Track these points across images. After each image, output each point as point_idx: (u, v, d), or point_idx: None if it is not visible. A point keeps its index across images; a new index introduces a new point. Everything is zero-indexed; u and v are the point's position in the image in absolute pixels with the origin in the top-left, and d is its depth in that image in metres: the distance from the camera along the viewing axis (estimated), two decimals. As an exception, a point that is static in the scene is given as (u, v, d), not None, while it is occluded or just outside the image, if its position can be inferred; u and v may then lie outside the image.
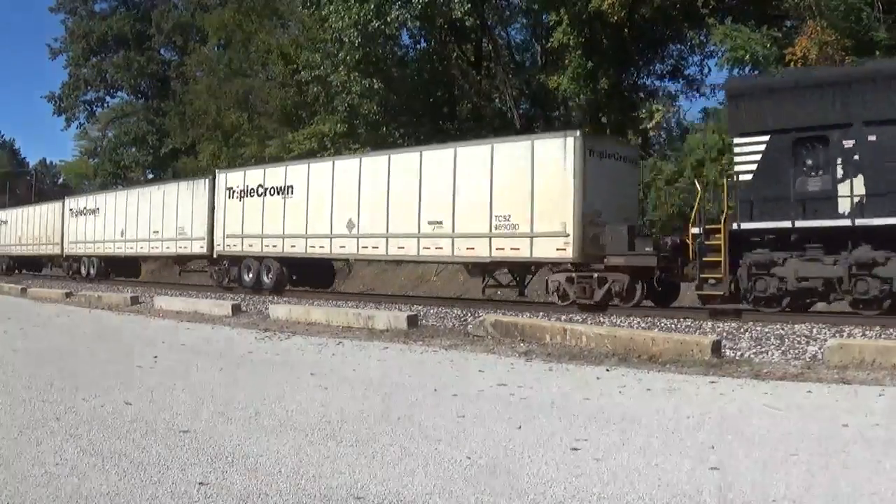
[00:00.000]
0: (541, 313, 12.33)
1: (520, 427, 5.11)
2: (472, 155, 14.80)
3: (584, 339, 8.84)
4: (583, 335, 8.93)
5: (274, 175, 19.21)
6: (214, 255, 20.71)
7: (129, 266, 27.00)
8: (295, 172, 18.67)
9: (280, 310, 13.08)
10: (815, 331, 9.40)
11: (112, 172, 44.77)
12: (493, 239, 14.15)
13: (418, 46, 28.02)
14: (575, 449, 4.54)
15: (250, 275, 19.39)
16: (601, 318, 11.60)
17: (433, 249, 15.35)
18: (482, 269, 15.38)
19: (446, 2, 22.11)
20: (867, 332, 9.19)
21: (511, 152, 14.20)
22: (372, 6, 22.10)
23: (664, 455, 4.39)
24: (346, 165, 17.57)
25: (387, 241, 16.13)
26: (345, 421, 5.33)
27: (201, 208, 21.39)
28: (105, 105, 46.87)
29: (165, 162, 41.10)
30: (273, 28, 31.69)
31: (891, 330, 9.23)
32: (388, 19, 22.33)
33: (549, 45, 23.54)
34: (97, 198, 27.72)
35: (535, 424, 5.20)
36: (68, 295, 19.22)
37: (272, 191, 19.08)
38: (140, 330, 12.27)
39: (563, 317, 11.72)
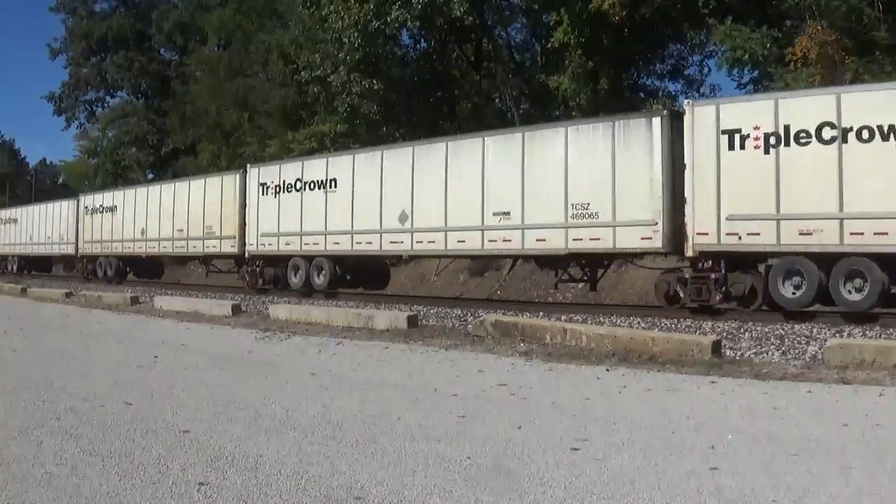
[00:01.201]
0: (541, 313, 12.33)
1: (520, 427, 5.11)
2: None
3: (584, 339, 8.84)
4: (583, 335, 8.93)
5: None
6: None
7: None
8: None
9: (280, 310, 13.08)
10: (815, 331, 9.41)
11: (112, 172, 44.74)
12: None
13: (418, 46, 28.06)
14: (575, 449, 4.53)
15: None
16: (601, 318, 11.61)
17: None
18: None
19: (446, 1, 22.10)
20: (867, 332, 9.20)
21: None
22: (372, 6, 22.11)
23: (664, 455, 4.39)
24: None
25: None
26: (345, 421, 5.33)
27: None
28: (105, 105, 46.98)
29: (166, 162, 41.10)
30: (273, 28, 31.70)
31: (891, 330, 9.24)
32: (388, 19, 22.33)
33: (549, 45, 23.52)
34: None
35: (535, 424, 5.20)
36: (68, 295, 19.23)
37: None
38: (140, 330, 12.27)
39: (563, 317, 11.72)
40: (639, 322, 11.01)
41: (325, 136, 25.99)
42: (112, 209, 25.60)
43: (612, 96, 22.32)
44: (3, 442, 4.72)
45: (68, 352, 9.34)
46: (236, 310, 13.80)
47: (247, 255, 19.51)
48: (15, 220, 33.04)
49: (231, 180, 20.44)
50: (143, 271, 25.75)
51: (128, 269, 25.72)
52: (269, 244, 18.76)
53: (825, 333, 9.13)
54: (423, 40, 27.66)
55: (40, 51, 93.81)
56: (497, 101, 27.52)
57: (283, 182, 18.58)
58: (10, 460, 4.30)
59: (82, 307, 16.86)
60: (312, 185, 17.83)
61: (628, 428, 5.07)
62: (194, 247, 21.55)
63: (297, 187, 18.16)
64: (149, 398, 6.19)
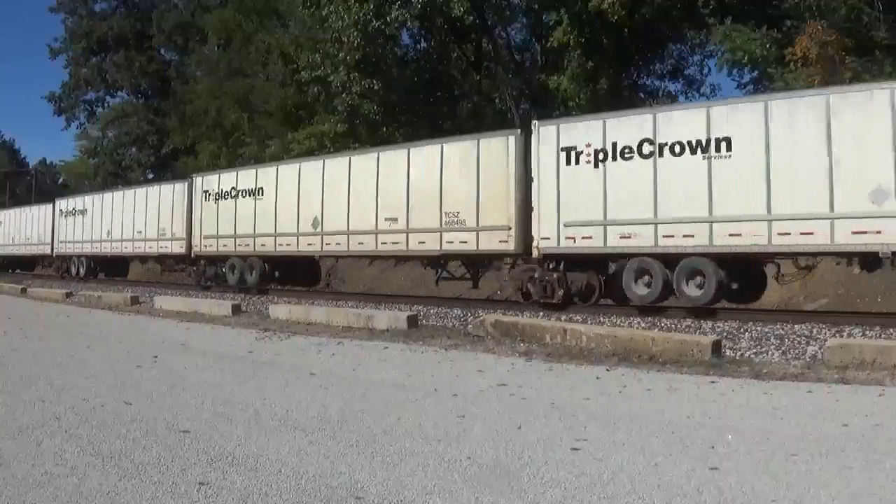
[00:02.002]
0: (541, 313, 12.34)
1: (520, 427, 5.11)
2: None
3: (584, 339, 8.84)
4: (583, 335, 8.93)
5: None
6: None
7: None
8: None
9: (280, 310, 13.08)
10: (815, 331, 9.41)
11: (112, 172, 44.76)
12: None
13: (418, 46, 28.08)
14: (575, 449, 4.53)
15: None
16: (601, 319, 11.61)
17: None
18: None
19: (446, 1, 22.10)
20: (867, 332, 9.20)
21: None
22: (372, 6, 22.11)
23: (664, 455, 4.39)
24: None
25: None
26: (345, 421, 5.33)
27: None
28: (105, 105, 46.99)
29: (165, 162, 41.10)
30: (273, 28, 31.70)
31: (891, 330, 9.24)
32: (388, 19, 22.34)
33: (549, 45, 23.54)
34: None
35: (535, 424, 5.20)
36: (68, 295, 19.23)
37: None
38: (140, 330, 12.27)
39: (563, 317, 11.73)
40: (639, 322, 11.02)
41: (325, 136, 26.01)
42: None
43: (612, 96, 22.32)
44: (3, 442, 4.71)
45: (68, 352, 9.34)
46: (236, 310, 13.80)
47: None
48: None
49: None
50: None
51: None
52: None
53: (825, 333, 9.13)
54: (423, 40, 27.72)
55: (40, 51, 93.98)
56: (497, 101, 27.51)
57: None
58: (10, 460, 4.30)
59: (82, 307, 16.86)
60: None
61: (628, 428, 5.07)
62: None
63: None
64: (149, 398, 6.18)
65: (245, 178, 20.20)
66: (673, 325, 10.59)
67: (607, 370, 7.46)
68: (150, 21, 43.10)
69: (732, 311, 11.70)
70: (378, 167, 16.24)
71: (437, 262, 15.93)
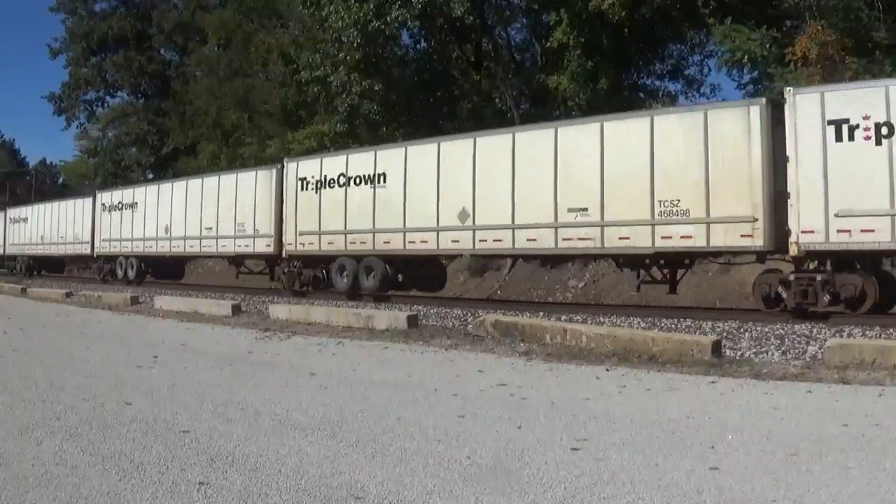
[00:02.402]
0: (541, 313, 12.33)
1: (520, 427, 5.11)
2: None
3: (584, 339, 8.85)
4: (583, 335, 8.93)
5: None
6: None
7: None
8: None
9: (280, 310, 13.08)
10: (815, 331, 9.41)
11: (112, 172, 44.77)
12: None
13: (418, 46, 28.05)
14: (575, 449, 4.54)
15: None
16: (601, 318, 11.61)
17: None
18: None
19: (446, 1, 22.10)
20: (867, 332, 9.19)
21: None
22: (372, 6, 22.09)
23: (664, 455, 4.39)
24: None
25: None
26: (345, 421, 5.33)
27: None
28: (105, 105, 46.99)
29: (165, 162, 41.10)
30: (273, 28, 31.70)
31: (891, 330, 9.23)
32: (388, 19, 22.32)
33: (549, 45, 23.50)
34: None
35: (535, 424, 5.20)
36: (68, 295, 19.24)
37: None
38: (140, 330, 12.27)
39: (563, 317, 11.72)
40: (639, 322, 11.01)
41: (325, 136, 26.00)
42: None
43: (612, 96, 22.31)
44: (3, 442, 4.71)
45: (68, 351, 9.34)
46: (236, 310, 13.80)
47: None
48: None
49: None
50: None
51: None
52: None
53: (825, 333, 9.13)
54: (423, 40, 27.67)
55: (40, 51, 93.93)
56: (497, 101, 27.50)
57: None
58: (10, 460, 4.30)
59: (82, 307, 16.86)
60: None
61: (628, 428, 5.08)
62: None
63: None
64: (149, 398, 6.18)
65: (359, 162, 16.76)
66: (673, 326, 10.59)
67: (607, 370, 7.46)
68: (150, 21, 43.12)
69: (732, 312, 11.67)
70: (556, 144, 13.41)
71: (642, 262, 13.16)
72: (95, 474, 4.04)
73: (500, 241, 14.26)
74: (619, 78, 23.80)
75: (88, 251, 26.57)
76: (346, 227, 16.78)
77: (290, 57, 28.63)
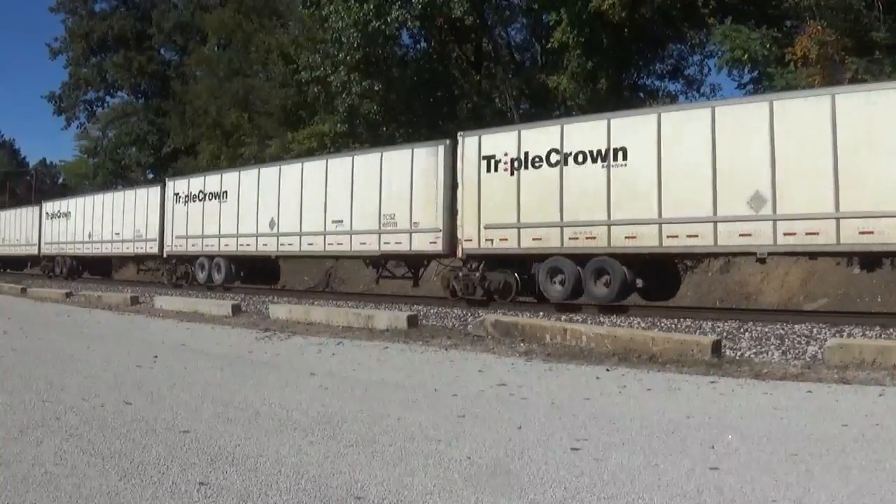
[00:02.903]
0: (541, 313, 12.33)
1: (520, 427, 5.11)
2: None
3: (584, 339, 8.85)
4: (583, 335, 8.93)
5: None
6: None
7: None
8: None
9: (280, 310, 13.08)
10: (815, 331, 9.41)
11: (112, 172, 44.79)
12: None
13: (418, 46, 28.07)
14: (575, 449, 4.54)
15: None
16: (601, 318, 11.61)
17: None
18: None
19: (446, 1, 22.10)
20: (867, 332, 9.20)
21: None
22: (372, 6, 22.11)
23: (664, 455, 4.39)
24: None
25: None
26: (345, 421, 5.33)
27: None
28: (105, 105, 47.01)
29: (165, 162, 41.10)
30: (273, 28, 31.70)
31: (891, 330, 9.24)
32: (388, 19, 22.34)
33: (549, 45, 23.52)
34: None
35: (535, 424, 5.20)
36: (68, 295, 19.23)
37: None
38: (140, 330, 12.27)
39: (563, 317, 11.72)
40: (639, 322, 11.01)
41: (325, 136, 26.00)
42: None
43: (612, 96, 22.33)
44: (3, 442, 4.71)
45: (68, 351, 9.34)
46: (236, 310, 13.80)
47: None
48: None
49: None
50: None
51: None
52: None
53: (825, 333, 9.13)
54: (423, 40, 27.70)
55: (40, 51, 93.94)
56: (497, 101, 27.52)
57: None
58: (10, 460, 4.30)
59: (82, 307, 16.86)
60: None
61: (628, 427, 5.08)
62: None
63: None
64: (149, 398, 6.18)
65: (582, 133, 13.15)
66: (673, 325, 10.59)
67: (607, 370, 7.46)
68: (150, 21, 43.13)
69: (732, 312, 11.68)
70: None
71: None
72: (95, 474, 4.04)
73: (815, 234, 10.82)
74: (619, 78, 23.82)
75: (156, 250, 23.38)
76: (562, 218, 13.12)
77: (290, 57, 28.65)
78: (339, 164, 17.50)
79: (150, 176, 42.49)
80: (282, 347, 9.75)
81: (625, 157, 12.42)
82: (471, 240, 14.42)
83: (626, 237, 12.37)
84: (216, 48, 36.97)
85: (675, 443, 4.69)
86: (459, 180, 14.68)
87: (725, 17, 18.55)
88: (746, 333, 9.35)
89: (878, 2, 16.67)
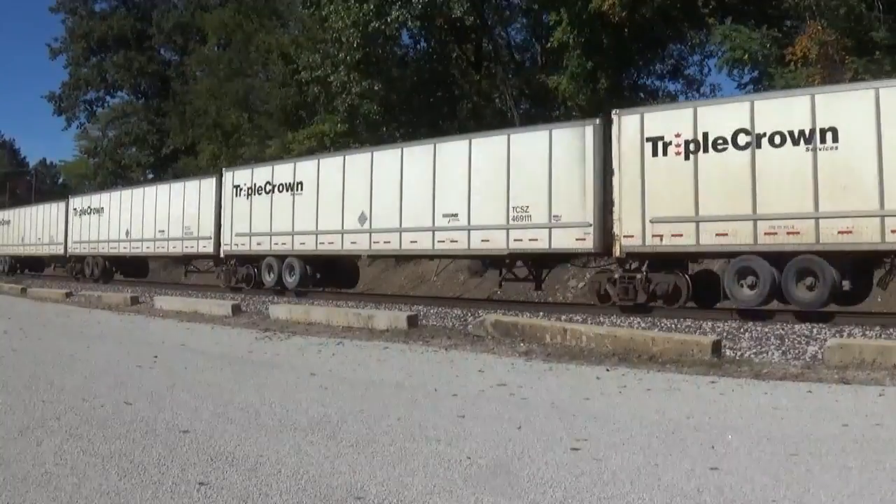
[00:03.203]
0: (541, 313, 12.33)
1: (520, 427, 5.11)
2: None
3: (584, 339, 8.85)
4: (583, 335, 8.93)
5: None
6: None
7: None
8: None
9: (280, 310, 13.08)
10: (815, 331, 9.41)
11: (112, 172, 44.80)
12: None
13: (418, 46, 28.08)
14: (575, 449, 4.53)
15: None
16: (601, 318, 11.61)
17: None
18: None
19: (446, 1, 22.11)
20: (867, 332, 9.20)
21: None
22: (372, 6, 22.12)
23: (664, 455, 4.39)
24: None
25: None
26: (345, 421, 5.33)
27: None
28: (105, 105, 47.05)
29: (165, 162, 41.13)
30: (273, 28, 31.71)
31: (891, 330, 9.24)
32: (388, 19, 22.34)
33: (549, 45, 23.53)
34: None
35: (535, 424, 5.20)
36: (68, 295, 19.24)
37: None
38: (140, 330, 12.27)
39: (563, 317, 11.73)
40: (639, 322, 11.02)
41: (325, 136, 26.00)
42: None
43: (612, 96, 22.32)
44: (3, 442, 4.71)
45: (68, 351, 9.34)
46: (236, 310, 13.80)
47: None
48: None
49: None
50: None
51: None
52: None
53: (825, 333, 9.13)
54: (423, 40, 27.69)
55: (40, 51, 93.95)
56: (497, 101, 27.53)
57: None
58: (10, 460, 4.30)
59: (82, 307, 16.86)
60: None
61: (628, 428, 5.07)
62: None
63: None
64: (149, 398, 6.18)
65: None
66: (673, 325, 10.59)
67: (607, 370, 7.46)
68: (150, 21, 43.17)
69: (732, 312, 11.68)
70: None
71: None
72: (95, 474, 4.04)
73: None
74: (619, 78, 23.82)
75: (210, 250, 21.04)
76: (754, 211, 11.24)
77: (290, 57, 28.66)
78: (451, 149, 15.10)
79: (150, 176, 42.54)
80: (282, 347, 9.75)
81: (835, 139, 10.60)
82: (632, 236, 12.29)
83: (838, 232, 10.56)
84: (216, 48, 36.99)
85: (675, 443, 4.69)
86: (615, 166, 12.55)
87: (725, 17, 18.55)
88: (746, 333, 9.36)
89: (878, 2, 16.67)
